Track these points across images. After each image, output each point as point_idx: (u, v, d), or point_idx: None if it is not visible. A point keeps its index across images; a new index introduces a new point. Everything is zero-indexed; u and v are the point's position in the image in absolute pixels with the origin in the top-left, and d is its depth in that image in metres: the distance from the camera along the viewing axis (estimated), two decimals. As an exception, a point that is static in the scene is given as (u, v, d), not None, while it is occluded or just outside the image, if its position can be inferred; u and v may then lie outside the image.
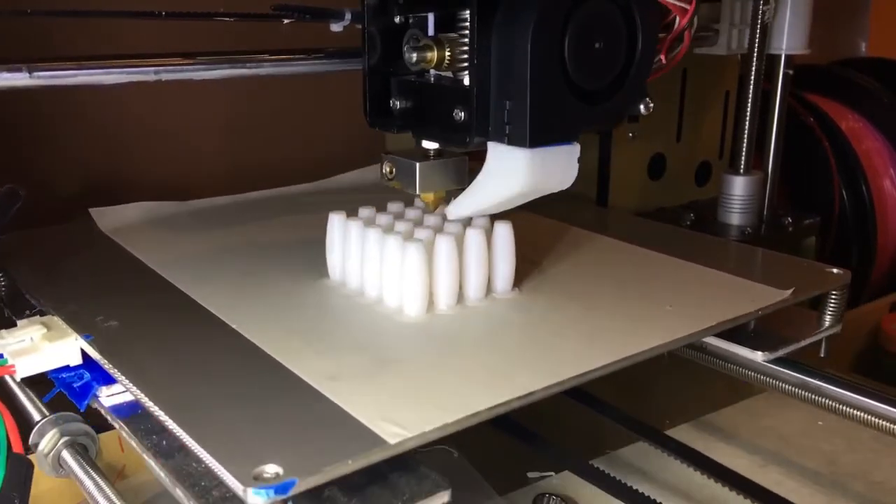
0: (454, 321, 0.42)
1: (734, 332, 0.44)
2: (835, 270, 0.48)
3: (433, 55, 0.40)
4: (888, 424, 0.42)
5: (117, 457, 0.48)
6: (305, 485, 0.28)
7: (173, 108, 0.72)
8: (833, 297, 0.47)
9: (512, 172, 0.40)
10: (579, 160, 0.42)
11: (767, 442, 0.56)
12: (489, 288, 0.44)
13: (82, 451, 0.37)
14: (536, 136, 0.39)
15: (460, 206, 0.44)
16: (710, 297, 0.45)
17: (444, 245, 0.42)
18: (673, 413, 0.59)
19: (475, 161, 0.44)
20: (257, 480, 0.27)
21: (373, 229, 0.43)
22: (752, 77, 0.68)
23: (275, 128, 0.79)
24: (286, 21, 0.48)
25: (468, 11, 0.39)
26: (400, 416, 0.31)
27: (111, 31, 0.64)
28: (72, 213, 0.57)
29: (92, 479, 0.35)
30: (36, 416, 0.38)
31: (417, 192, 0.44)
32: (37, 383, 0.40)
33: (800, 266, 0.50)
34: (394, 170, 0.45)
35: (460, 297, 0.43)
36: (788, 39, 0.67)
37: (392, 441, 0.30)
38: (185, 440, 0.31)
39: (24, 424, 0.38)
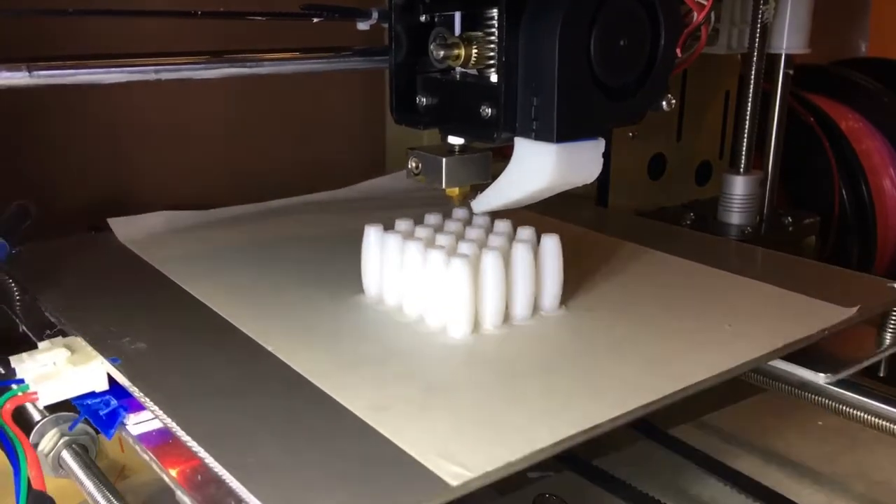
0: (503, 343, 0.40)
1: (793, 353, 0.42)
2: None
3: (460, 53, 0.41)
4: (888, 424, 0.42)
5: (117, 457, 0.48)
6: None
7: (175, 110, 0.72)
8: (895, 313, 0.46)
9: (539, 167, 0.40)
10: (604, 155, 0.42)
11: (767, 442, 0.56)
12: (536, 306, 0.43)
13: (82, 451, 0.37)
14: (563, 131, 0.39)
15: (486, 200, 0.44)
16: (770, 315, 0.43)
17: (491, 261, 0.41)
18: (673, 413, 0.59)
19: (498, 156, 0.44)
20: None
21: (413, 243, 0.42)
22: (752, 77, 0.68)
23: (277, 130, 0.78)
24: (315, 20, 0.49)
25: (495, 10, 0.40)
26: (459, 453, 0.29)
27: (114, 31, 0.64)
28: (74, 219, 0.57)
29: (92, 479, 0.35)
30: (36, 416, 0.38)
31: (443, 186, 0.44)
32: (60, 408, 0.38)
33: (859, 280, 0.49)
34: (420, 165, 0.45)
35: (506, 315, 0.42)
36: (788, 39, 0.67)
37: (454, 483, 0.28)
38: (224, 476, 0.29)
39: (25, 424, 0.38)
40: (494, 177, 0.44)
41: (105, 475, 0.36)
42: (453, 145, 0.44)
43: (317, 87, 0.78)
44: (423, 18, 0.44)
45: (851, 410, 0.43)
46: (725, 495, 0.49)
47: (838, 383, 0.43)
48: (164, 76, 0.46)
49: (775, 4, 0.66)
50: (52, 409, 0.37)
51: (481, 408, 0.33)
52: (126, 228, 0.54)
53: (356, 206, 0.62)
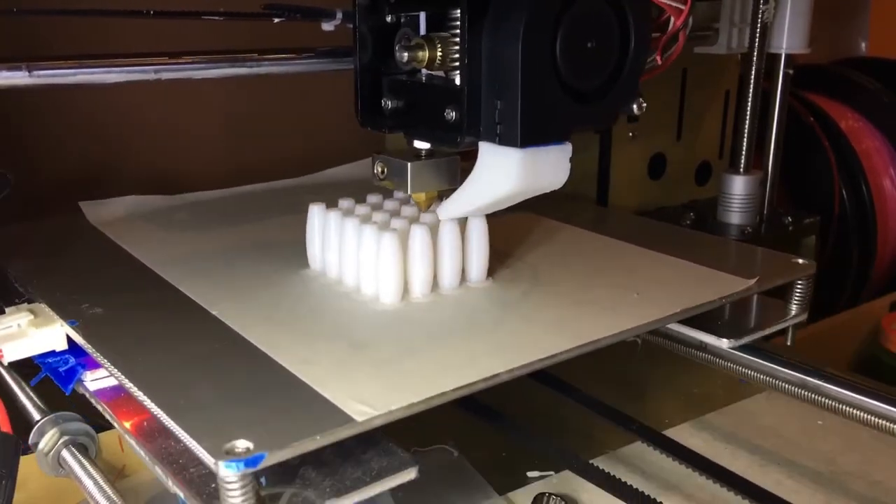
0: (428, 309, 0.43)
1: (703, 321, 0.46)
2: (800, 261, 0.49)
3: (424, 54, 0.40)
4: (888, 424, 0.42)
5: (117, 456, 0.48)
6: (274, 458, 0.29)
7: (169, 102, 0.72)
8: (798, 286, 0.48)
9: (503, 172, 0.40)
10: (572, 160, 0.42)
11: (767, 442, 0.56)
12: (463, 277, 0.45)
13: (82, 451, 0.37)
14: (528, 135, 0.39)
15: (452, 207, 0.44)
16: (678, 285, 0.46)
17: (418, 234, 0.43)
18: (673, 413, 0.59)
19: (467, 161, 0.44)
20: (228, 455, 0.29)
21: (350, 219, 0.44)
22: (752, 76, 0.68)
23: (271, 124, 0.79)
24: (276, 20, 0.48)
25: (458, 10, 0.39)
26: (369, 397, 0.33)
27: (106, 31, 0.64)
28: (63, 205, 0.58)
29: (92, 478, 0.35)
30: (36, 416, 0.38)
31: (409, 192, 0.44)
32: (24, 367, 0.40)
33: (768, 257, 0.52)
34: (385, 170, 0.45)
35: (435, 285, 0.44)
36: (788, 38, 0.67)
37: (359, 419, 0.31)
38: (163, 420, 0.32)
39: (25, 424, 0.38)
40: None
41: (105, 475, 0.36)
42: (420, 150, 0.44)
43: (315, 83, 0.78)
44: (388, 19, 0.43)
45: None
46: (725, 496, 0.49)
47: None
48: (164, 76, 0.46)
49: (775, 4, 0.66)
50: (16, 366, 0.40)
51: (397, 363, 0.37)
52: (96, 211, 0.57)
53: (322, 191, 0.63)
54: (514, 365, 0.36)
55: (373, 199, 0.49)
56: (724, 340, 0.46)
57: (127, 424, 0.36)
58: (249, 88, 0.75)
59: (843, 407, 0.43)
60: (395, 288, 0.43)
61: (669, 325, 0.46)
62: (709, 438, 0.57)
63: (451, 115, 0.40)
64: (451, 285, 0.45)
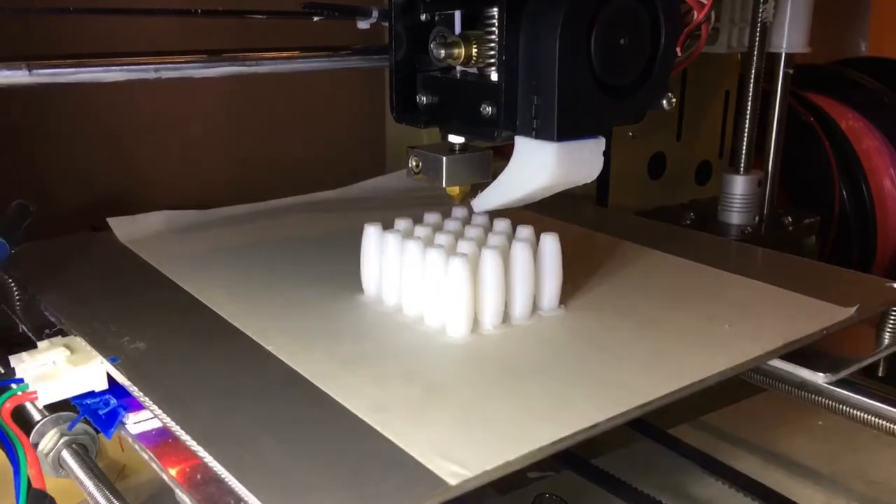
0: (502, 343, 0.40)
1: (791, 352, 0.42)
2: (895, 285, 0.46)
3: (461, 52, 0.41)
4: (888, 424, 0.42)
5: (117, 457, 0.48)
6: None
7: (176, 108, 0.72)
8: (894, 313, 0.46)
9: (539, 166, 0.40)
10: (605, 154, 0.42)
11: (767, 442, 0.56)
12: (534, 305, 0.43)
13: (82, 451, 0.37)
14: (564, 130, 0.39)
15: (487, 199, 0.44)
16: (770, 314, 0.43)
17: (490, 259, 0.40)
18: (673, 413, 0.59)
19: (498, 155, 0.44)
20: None
21: (412, 242, 0.42)
22: (752, 76, 0.68)
23: (279, 128, 0.78)
24: (316, 18, 0.49)
25: (495, 9, 0.40)
26: (458, 453, 0.29)
27: (114, 30, 0.64)
28: (76, 218, 0.57)
29: (92, 479, 0.35)
30: (36, 416, 0.38)
31: (444, 185, 0.44)
32: (59, 407, 0.38)
33: (857, 280, 0.49)
34: (420, 164, 0.44)
35: (505, 315, 0.42)
36: (789, 38, 0.67)
37: (453, 482, 0.28)
38: (223, 475, 0.29)
39: (24, 423, 0.37)
40: (495, 175, 0.44)
41: (105, 475, 0.35)
42: (454, 144, 0.44)
43: (318, 85, 0.78)
44: (423, 17, 0.44)
45: (851, 410, 0.43)
46: (725, 495, 0.49)
47: (837, 383, 0.43)
48: (165, 75, 0.46)
49: (775, 4, 0.66)
50: (52, 408, 0.37)
51: (480, 408, 0.33)
52: (126, 228, 0.55)
53: (356, 206, 0.62)
54: (613, 413, 0.33)
55: (431, 218, 0.47)
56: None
57: (174, 472, 0.32)
58: (251, 91, 0.75)
59: (843, 407, 0.43)
60: (466, 319, 0.40)
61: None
62: (709, 438, 0.57)
63: (488, 110, 0.40)
64: (523, 315, 0.42)
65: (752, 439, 0.57)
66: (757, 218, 0.72)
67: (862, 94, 0.91)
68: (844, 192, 0.85)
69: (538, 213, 0.56)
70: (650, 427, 0.54)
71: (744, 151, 0.70)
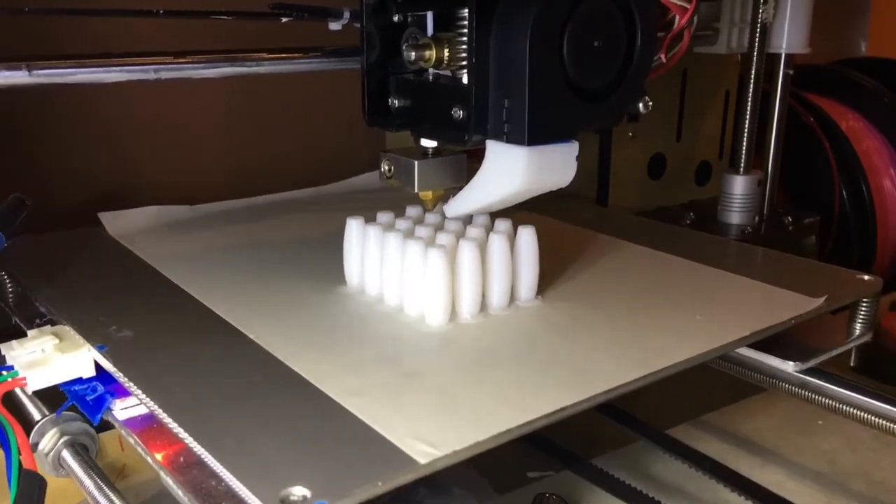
0: (478, 331, 0.41)
1: (762, 341, 0.43)
2: (866, 277, 0.47)
3: (432, 54, 0.40)
4: (888, 424, 0.42)
5: (117, 456, 0.48)
6: None
7: (175, 106, 0.72)
8: (864, 304, 0.46)
9: (511, 170, 0.40)
10: (578, 158, 0.42)
11: (767, 442, 0.56)
12: (512, 296, 0.43)
13: (82, 451, 0.37)
14: (535, 134, 0.39)
15: (459, 204, 0.44)
16: (740, 304, 0.44)
17: (467, 251, 0.41)
18: (673, 413, 0.59)
19: (473, 159, 0.44)
20: (284, 503, 0.27)
21: (392, 234, 0.43)
22: (752, 77, 0.68)
23: (277, 126, 0.79)
24: (284, 20, 0.48)
25: (466, 10, 0.39)
26: (429, 434, 0.30)
27: (110, 30, 0.64)
28: (74, 216, 0.57)
29: (92, 478, 0.35)
30: (36, 416, 0.38)
31: (416, 190, 0.44)
32: (47, 394, 0.38)
33: (828, 272, 0.49)
34: (392, 168, 0.45)
35: (483, 305, 0.42)
36: (788, 38, 0.67)
37: (423, 461, 0.29)
38: (204, 457, 0.30)
39: (25, 423, 0.37)
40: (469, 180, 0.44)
41: (105, 475, 0.36)
42: (426, 148, 0.44)
43: (318, 85, 0.78)
44: (395, 18, 0.43)
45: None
46: (725, 496, 0.49)
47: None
48: (164, 75, 0.46)
49: (775, 4, 0.66)
50: (42, 395, 0.38)
51: (453, 393, 0.34)
52: (116, 223, 0.56)
53: (342, 201, 0.63)
54: (579, 398, 0.33)
55: (412, 211, 0.47)
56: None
57: (159, 457, 0.33)
58: (251, 91, 0.75)
59: (843, 407, 0.43)
60: (444, 309, 0.41)
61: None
62: (709, 438, 0.57)
63: (459, 113, 0.40)
64: (501, 305, 0.43)
65: (752, 439, 0.57)
66: (757, 218, 0.72)
67: (862, 94, 0.91)
68: (844, 192, 0.85)
69: (538, 213, 0.56)
70: (650, 427, 0.54)
71: (744, 152, 0.70)
